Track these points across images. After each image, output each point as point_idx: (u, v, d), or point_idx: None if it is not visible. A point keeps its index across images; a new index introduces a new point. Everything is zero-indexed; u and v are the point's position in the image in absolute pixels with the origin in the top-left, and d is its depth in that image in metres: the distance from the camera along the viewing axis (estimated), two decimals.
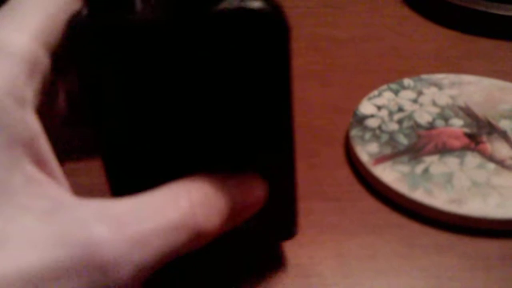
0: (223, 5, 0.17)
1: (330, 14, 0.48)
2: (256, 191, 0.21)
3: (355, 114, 0.35)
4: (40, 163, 0.17)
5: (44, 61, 0.18)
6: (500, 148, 0.32)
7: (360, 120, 0.35)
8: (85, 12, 0.18)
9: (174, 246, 0.17)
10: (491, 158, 0.32)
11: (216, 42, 0.17)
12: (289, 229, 0.25)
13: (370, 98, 0.36)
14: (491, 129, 0.34)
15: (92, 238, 0.15)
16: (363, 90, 0.38)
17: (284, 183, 0.23)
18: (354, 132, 0.33)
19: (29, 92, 0.17)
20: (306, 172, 0.32)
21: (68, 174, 0.23)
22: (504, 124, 0.34)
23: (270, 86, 0.19)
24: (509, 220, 0.28)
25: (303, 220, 0.29)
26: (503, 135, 0.33)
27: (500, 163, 0.31)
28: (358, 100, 0.37)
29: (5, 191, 0.15)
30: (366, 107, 0.36)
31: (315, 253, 0.27)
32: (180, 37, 0.17)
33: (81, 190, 0.27)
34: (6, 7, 0.18)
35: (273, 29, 0.17)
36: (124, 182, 0.21)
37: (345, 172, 0.32)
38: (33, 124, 0.17)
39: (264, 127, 0.20)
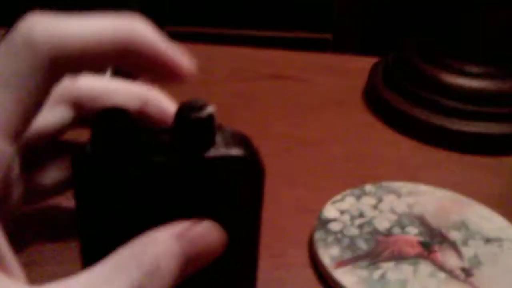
0: (212, 152, 0.21)
1: (301, 115, 0.52)
2: (212, 239, 0.22)
3: (319, 217, 0.38)
4: None
5: (6, 150, 0.19)
6: (450, 258, 0.35)
7: (324, 223, 0.37)
8: (89, 149, 0.21)
9: None
10: (442, 267, 0.34)
11: (206, 180, 0.22)
12: None
13: (334, 202, 0.39)
14: (442, 239, 0.37)
15: None
16: (328, 192, 0.41)
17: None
18: (318, 235, 0.36)
19: None
20: (272, 272, 0.34)
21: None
22: (454, 235, 0.37)
23: (245, 212, 0.23)
24: None
25: None
26: (453, 245, 0.36)
27: (450, 272, 0.34)
28: (323, 202, 0.40)
29: None
30: (329, 211, 0.38)
31: None
32: (174, 176, 0.21)
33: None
34: None
35: (251, 171, 0.22)
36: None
37: (309, 273, 0.35)
38: None
39: (235, 247, 0.23)
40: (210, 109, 0.21)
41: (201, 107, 0.21)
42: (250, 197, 0.23)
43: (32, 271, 0.32)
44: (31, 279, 0.20)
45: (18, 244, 0.20)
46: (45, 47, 0.18)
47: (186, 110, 0.21)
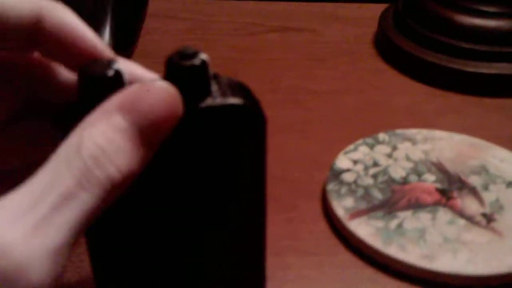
0: (208, 102, 0.20)
1: (310, 67, 0.50)
2: (165, 103, 0.18)
3: (332, 168, 0.36)
4: None
5: None
6: (470, 204, 0.34)
7: (336, 174, 0.36)
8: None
9: (83, 211, 0.16)
10: (461, 214, 0.33)
11: (203, 132, 0.20)
12: None
13: (346, 152, 0.38)
14: (461, 184, 0.35)
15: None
16: (340, 144, 0.40)
17: (254, 260, 0.25)
18: (331, 187, 0.35)
19: None
20: (284, 226, 0.33)
21: None
22: (473, 180, 0.35)
23: (247, 165, 0.22)
24: (479, 276, 0.29)
25: (281, 274, 0.30)
26: (473, 191, 0.35)
27: (470, 219, 0.33)
28: (335, 154, 0.39)
29: None
30: (342, 162, 0.37)
31: None
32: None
33: None
34: None
35: (252, 121, 0.20)
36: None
37: (322, 226, 0.33)
38: None
39: (240, 203, 0.22)
40: (203, 56, 0.19)
41: (193, 54, 0.19)
42: (253, 148, 0.21)
43: None
44: None
45: None
46: None
47: (177, 58, 0.19)
